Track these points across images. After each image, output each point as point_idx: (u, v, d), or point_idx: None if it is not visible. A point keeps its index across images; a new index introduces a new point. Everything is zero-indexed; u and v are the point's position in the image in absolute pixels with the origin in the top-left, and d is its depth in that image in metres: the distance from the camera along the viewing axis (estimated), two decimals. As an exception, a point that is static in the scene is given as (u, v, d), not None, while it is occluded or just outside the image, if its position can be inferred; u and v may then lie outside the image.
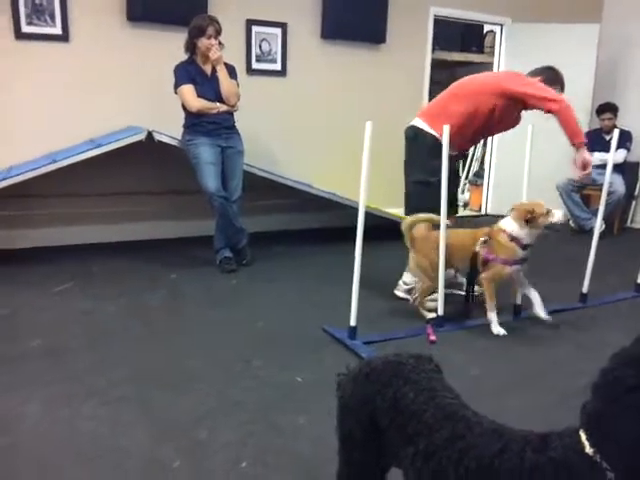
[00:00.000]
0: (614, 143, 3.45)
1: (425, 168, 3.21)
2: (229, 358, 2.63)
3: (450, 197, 3.08)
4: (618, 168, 5.25)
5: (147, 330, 2.93)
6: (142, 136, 3.78)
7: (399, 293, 3.52)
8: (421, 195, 3.24)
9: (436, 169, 2.96)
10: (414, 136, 3.32)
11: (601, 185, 3.56)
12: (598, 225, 3.51)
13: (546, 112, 3.11)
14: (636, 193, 5.81)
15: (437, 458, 1.03)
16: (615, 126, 5.24)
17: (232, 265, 3.93)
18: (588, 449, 0.88)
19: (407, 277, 3.48)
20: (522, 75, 3.29)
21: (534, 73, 3.38)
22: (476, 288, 3.56)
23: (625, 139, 5.29)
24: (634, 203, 5.87)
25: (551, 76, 3.35)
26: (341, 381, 1.27)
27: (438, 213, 2.97)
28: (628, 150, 5.46)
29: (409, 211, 3.33)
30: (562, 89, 3.36)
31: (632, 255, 3.64)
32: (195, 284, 3.66)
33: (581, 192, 5.58)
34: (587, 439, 0.88)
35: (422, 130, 3.29)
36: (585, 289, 3.48)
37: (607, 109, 5.52)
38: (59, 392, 2.26)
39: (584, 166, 3.17)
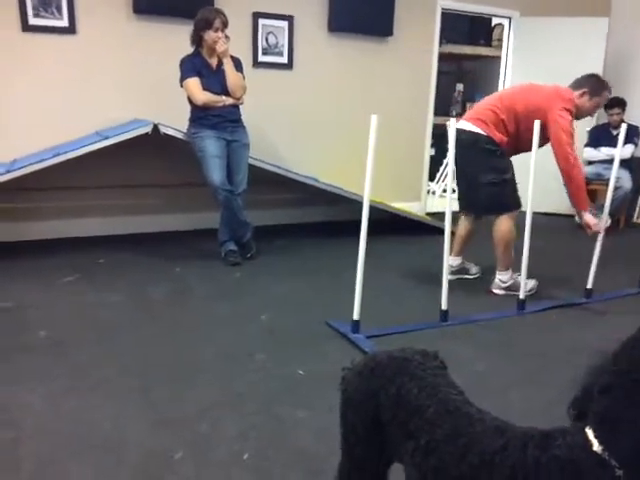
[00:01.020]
0: (621, 138, 3.42)
1: (495, 168, 3.40)
2: (233, 351, 2.64)
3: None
4: (625, 163, 5.21)
5: (151, 323, 2.94)
6: (148, 129, 3.78)
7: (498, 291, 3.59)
8: (497, 192, 3.42)
9: (504, 168, 3.41)
10: (474, 141, 3.40)
11: (608, 180, 3.54)
12: (604, 220, 3.49)
13: (556, 159, 3.31)
14: (643, 189, 5.77)
15: (438, 454, 1.03)
16: (623, 121, 5.20)
17: (236, 258, 3.94)
18: (596, 447, 0.88)
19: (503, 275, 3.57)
20: (570, 106, 3.31)
21: (578, 84, 3.44)
22: (474, 270, 3.64)
23: (633, 134, 5.26)
24: (642, 200, 5.84)
25: (595, 85, 3.42)
26: (346, 375, 1.27)
27: (516, 206, 3.45)
28: (636, 145, 5.42)
29: (489, 209, 3.52)
30: (610, 92, 3.51)
31: (638, 251, 3.61)
32: (199, 277, 3.67)
33: (587, 187, 5.54)
34: (595, 437, 0.88)
35: (480, 135, 3.39)
36: (590, 284, 3.47)
37: (615, 104, 5.47)
38: (64, 384, 2.28)
39: (589, 227, 3.42)
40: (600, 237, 3.45)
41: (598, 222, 3.39)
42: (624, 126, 3.49)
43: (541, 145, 3.31)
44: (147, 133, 3.78)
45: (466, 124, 3.46)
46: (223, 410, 2.13)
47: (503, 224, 3.45)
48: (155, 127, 3.79)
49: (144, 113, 4.21)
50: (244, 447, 1.90)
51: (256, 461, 1.84)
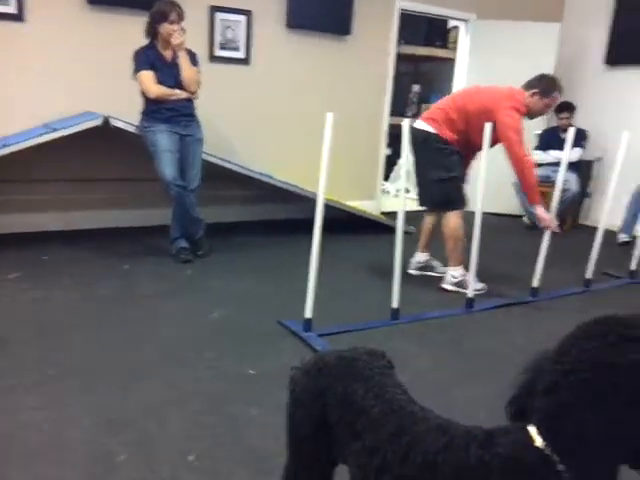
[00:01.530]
0: (569, 142, 3.52)
1: (443, 166, 3.50)
2: (181, 350, 2.59)
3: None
4: (573, 166, 5.38)
5: (97, 321, 2.87)
6: (98, 121, 3.69)
7: (448, 287, 3.65)
8: (444, 190, 3.53)
9: (451, 166, 3.50)
10: (425, 139, 3.52)
11: (555, 182, 3.64)
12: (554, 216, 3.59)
13: (508, 157, 3.38)
14: (589, 191, 5.97)
15: (382, 453, 1.03)
16: (571, 125, 5.36)
17: (188, 256, 3.88)
18: (539, 443, 0.89)
19: (455, 271, 3.63)
20: (519, 105, 3.40)
21: (529, 84, 3.52)
22: (440, 269, 3.69)
23: (581, 138, 5.42)
24: (587, 201, 6.03)
25: (546, 85, 3.51)
26: (294, 375, 1.26)
27: (462, 204, 3.54)
28: (583, 149, 5.60)
29: (436, 205, 3.64)
30: (560, 93, 3.60)
31: (583, 251, 3.74)
32: (149, 274, 3.60)
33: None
34: (539, 434, 0.89)
35: (430, 133, 3.49)
36: (536, 283, 3.57)
37: (564, 108, 5.64)
38: (4, 383, 2.20)
39: (541, 220, 3.51)
40: (547, 237, 3.55)
41: (551, 216, 3.48)
42: (572, 130, 3.60)
43: (492, 145, 3.39)
44: (97, 126, 3.68)
45: (419, 123, 3.58)
46: (170, 410, 2.10)
47: (451, 221, 3.55)
48: (106, 120, 3.70)
49: (95, 105, 4.09)
50: (191, 447, 1.87)
51: (203, 461, 1.81)
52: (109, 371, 2.36)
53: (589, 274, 3.81)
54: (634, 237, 4.67)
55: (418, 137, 3.51)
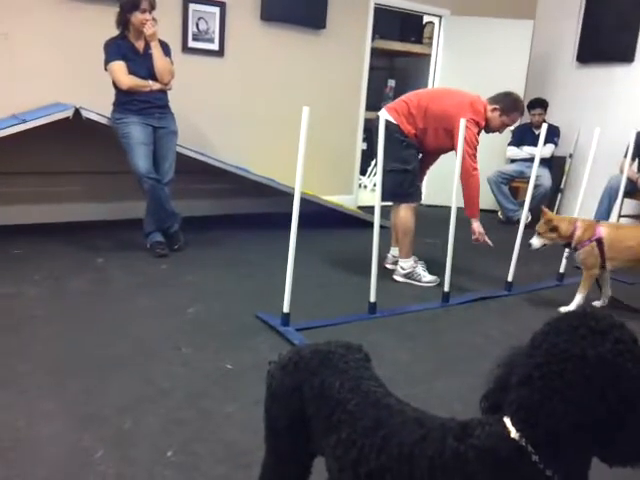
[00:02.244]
0: (542, 138, 3.57)
1: (399, 158, 3.48)
2: (157, 345, 2.56)
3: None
4: (546, 162, 5.47)
5: (71, 316, 2.81)
6: (69, 113, 3.61)
7: (398, 278, 3.70)
8: (397, 181, 3.52)
9: (407, 159, 3.51)
10: (385, 128, 3.40)
11: (529, 178, 3.69)
12: (524, 216, 3.64)
13: (460, 164, 3.31)
14: (562, 186, 6.06)
15: (358, 446, 1.03)
16: (544, 121, 5.43)
17: (163, 250, 3.83)
18: (514, 434, 0.90)
19: (405, 263, 3.69)
20: (479, 118, 3.46)
21: (494, 99, 3.57)
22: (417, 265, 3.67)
23: (553, 134, 5.50)
24: (560, 196, 6.12)
25: (509, 105, 3.55)
26: (271, 369, 1.26)
27: (414, 198, 3.59)
28: (556, 145, 5.68)
29: (388, 196, 3.49)
30: (521, 115, 3.73)
31: (556, 246, 3.80)
32: (123, 269, 3.55)
33: (510, 184, 5.78)
34: (514, 426, 0.91)
35: (391, 123, 3.46)
36: (510, 277, 3.61)
37: (538, 104, 5.71)
38: (-27, 381, 2.14)
39: (473, 234, 3.59)
40: (521, 232, 3.60)
41: (483, 232, 3.58)
42: (545, 126, 3.64)
43: (445, 152, 3.59)
44: (68, 117, 3.61)
45: (383, 112, 3.56)
46: (146, 406, 2.07)
47: (401, 213, 3.60)
48: (77, 111, 3.63)
49: (66, 96, 4.01)
50: (169, 443, 1.85)
51: (181, 457, 1.79)
52: (83, 367, 2.32)
53: (562, 268, 3.87)
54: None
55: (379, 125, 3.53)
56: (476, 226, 3.57)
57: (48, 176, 4.31)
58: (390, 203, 3.71)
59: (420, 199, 3.69)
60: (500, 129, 3.63)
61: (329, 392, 1.12)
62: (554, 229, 3.25)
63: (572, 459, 0.91)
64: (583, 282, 3.28)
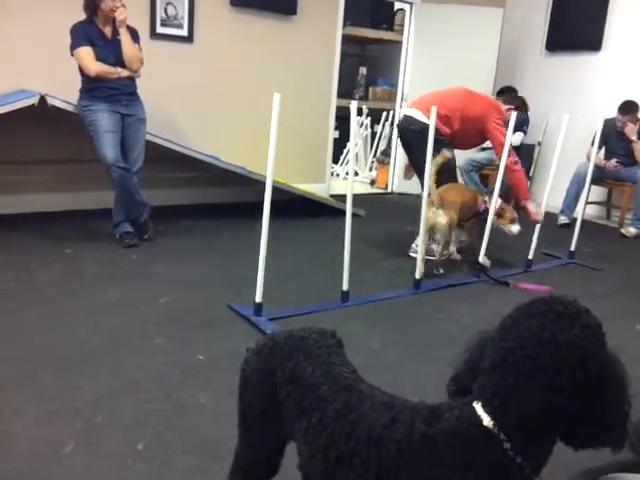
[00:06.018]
0: (511, 126, 3.60)
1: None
2: (128, 336, 2.53)
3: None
4: (515, 150, 5.51)
5: (39, 308, 2.76)
6: (34, 100, 3.52)
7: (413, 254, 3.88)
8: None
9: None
10: (421, 130, 3.61)
11: (498, 166, 3.73)
12: (493, 203, 3.68)
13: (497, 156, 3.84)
14: (531, 174, 6.14)
15: (328, 430, 1.04)
16: (515, 109, 5.47)
17: (133, 240, 3.77)
18: (487, 421, 0.91)
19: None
20: (505, 117, 3.84)
21: (506, 101, 4.12)
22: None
23: (522, 123, 5.56)
24: (529, 183, 6.20)
25: (517, 105, 4.09)
26: (247, 355, 1.26)
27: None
28: (525, 133, 5.74)
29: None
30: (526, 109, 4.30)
31: (524, 233, 3.86)
32: (92, 259, 3.49)
33: (480, 172, 5.84)
34: (487, 413, 0.91)
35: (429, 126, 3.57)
36: (481, 261, 3.65)
37: (507, 92, 5.75)
38: (-63, 376, 2.09)
39: (530, 215, 3.88)
40: (490, 220, 3.64)
41: (539, 211, 3.84)
42: (514, 114, 3.67)
43: (477, 144, 4.03)
44: (33, 104, 3.52)
45: (416, 112, 3.81)
46: (117, 398, 2.04)
47: None
48: (42, 98, 3.54)
49: (31, 83, 3.90)
50: (140, 435, 1.84)
51: (153, 449, 1.78)
52: (53, 359, 2.28)
53: (530, 255, 3.93)
54: (574, 219, 4.85)
55: (415, 126, 3.74)
56: (531, 206, 3.84)
57: (13, 165, 4.20)
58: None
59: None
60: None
61: (301, 377, 1.12)
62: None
63: (542, 445, 0.93)
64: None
